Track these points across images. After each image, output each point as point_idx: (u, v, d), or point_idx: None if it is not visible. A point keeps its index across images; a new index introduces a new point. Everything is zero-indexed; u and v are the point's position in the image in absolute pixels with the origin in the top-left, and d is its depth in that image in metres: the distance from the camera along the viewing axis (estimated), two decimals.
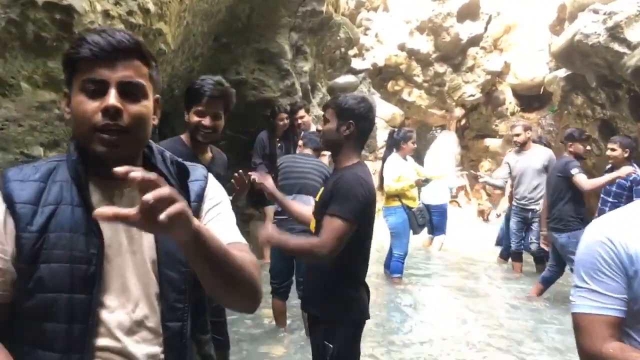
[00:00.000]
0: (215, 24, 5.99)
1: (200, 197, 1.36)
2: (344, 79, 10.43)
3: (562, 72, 8.69)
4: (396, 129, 6.97)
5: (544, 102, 12.58)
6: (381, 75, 13.35)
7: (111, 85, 1.18)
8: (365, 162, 8.94)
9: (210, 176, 1.44)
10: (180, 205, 0.94)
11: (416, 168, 6.76)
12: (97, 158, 1.21)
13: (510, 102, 13.19)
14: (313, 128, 6.70)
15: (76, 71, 1.21)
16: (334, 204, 2.41)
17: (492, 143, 13.34)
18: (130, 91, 1.20)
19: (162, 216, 0.91)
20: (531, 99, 12.92)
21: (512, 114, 13.24)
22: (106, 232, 1.22)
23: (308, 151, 5.08)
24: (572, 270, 6.04)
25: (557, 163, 5.84)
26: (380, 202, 5.59)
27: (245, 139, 7.08)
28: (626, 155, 5.54)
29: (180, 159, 1.41)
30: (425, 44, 12.70)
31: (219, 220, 1.36)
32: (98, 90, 1.18)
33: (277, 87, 7.02)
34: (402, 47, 12.82)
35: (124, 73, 1.19)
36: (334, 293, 2.51)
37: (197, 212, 1.33)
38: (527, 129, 6.91)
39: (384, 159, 6.64)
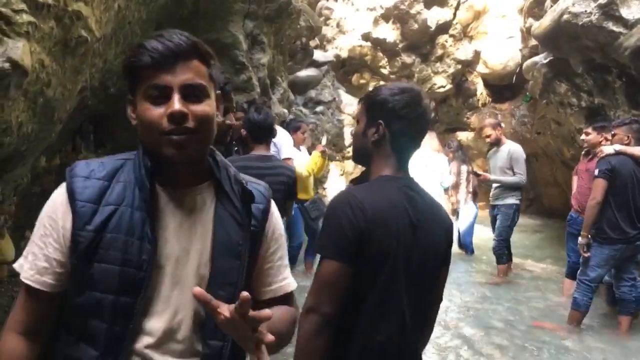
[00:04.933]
0: (155, 10, 5.08)
1: (262, 224, 1.38)
2: (305, 73, 9.66)
3: (542, 58, 8.04)
4: (287, 120, 6.97)
5: (517, 92, 12.04)
6: (345, 68, 12.56)
7: (174, 90, 1.20)
8: (334, 162, 8.13)
9: (271, 199, 1.43)
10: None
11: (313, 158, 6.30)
12: (166, 161, 1.23)
13: (482, 93, 12.58)
14: (276, 129, 5.98)
15: (139, 79, 1.23)
16: (319, 239, 1.72)
17: (464, 136, 12.70)
18: (192, 93, 1.22)
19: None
20: (503, 88, 12.37)
21: (484, 105, 12.64)
22: (161, 241, 1.23)
23: (262, 151, 4.06)
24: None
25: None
26: None
27: None
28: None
29: (242, 176, 1.40)
30: (391, 33, 11.95)
31: (281, 263, 1.43)
32: (162, 95, 1.20)
33: (232, 83, 6.17)
34: (366, 37, 12.04)
35: (185, 76, 1.21)
36: None
37: (257, 238, 1.36)
38: (495, 126, 6.75)
39: None
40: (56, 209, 1.24)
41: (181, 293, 1.24)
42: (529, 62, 8.76)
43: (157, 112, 1.19)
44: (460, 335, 4.77)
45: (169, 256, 1.24)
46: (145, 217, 1.21)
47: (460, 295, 6.04)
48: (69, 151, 5.43)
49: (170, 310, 1.23)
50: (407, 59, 12.13)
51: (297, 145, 6.31)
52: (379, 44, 12.05)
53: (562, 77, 7.67)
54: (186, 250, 1.25)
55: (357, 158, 1.94)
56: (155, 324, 1.22)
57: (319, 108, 9.95)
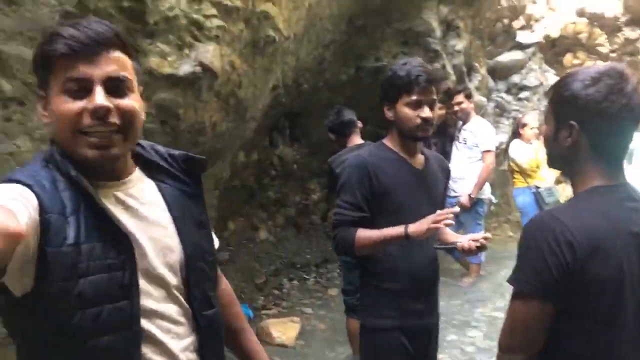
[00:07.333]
0: (346, 5, 5.10)
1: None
2: (508, 57, 9.03)
3: None
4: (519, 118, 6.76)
5: None
6: (555, 48, 11.47)
7: (96, 83, 1.08)
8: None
9: None
10: None
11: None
12: (84, 163, 1.11)
13: None
14: (475, 119, 5.69)
15: (53, 70, 1.09)
16: (515, 269, 1.41)
17: None
18: (116, 87, 1.11)
19: None
20: None
21: None
22: (131, 236, 1.14)
23: (356, 141, 3.93)
24: None
25: None
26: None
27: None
28: None
29: (179, 151, 1.35)
30: (610, 6, 10.61)
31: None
32: (81, 89, 1.08)
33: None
34: (581, 13, 10.85)
35: (108, 68, 1.09)
36: None
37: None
38: None
39: (506, 147, 6.50)
40: (27, 198, 1.04)
41: (167, 278, 1.21)
42: None
43: (76, 106, 1.08)
44: None
45: (143, 248, 1.17)
46: (106, 218, 1.11)
47: None
48: (266, 146, 5.76)
49: (162, 288, 1.20)
50: (630, 33, 10.67)
51: (526, 140, 6.09)
52: (596, 19, 10.78)
53: None
54: (154, 239, 1.20)
55: (554, 164, 1.58)
56: (151, 305, 1.17)
57: (524, 94, 9.19)
